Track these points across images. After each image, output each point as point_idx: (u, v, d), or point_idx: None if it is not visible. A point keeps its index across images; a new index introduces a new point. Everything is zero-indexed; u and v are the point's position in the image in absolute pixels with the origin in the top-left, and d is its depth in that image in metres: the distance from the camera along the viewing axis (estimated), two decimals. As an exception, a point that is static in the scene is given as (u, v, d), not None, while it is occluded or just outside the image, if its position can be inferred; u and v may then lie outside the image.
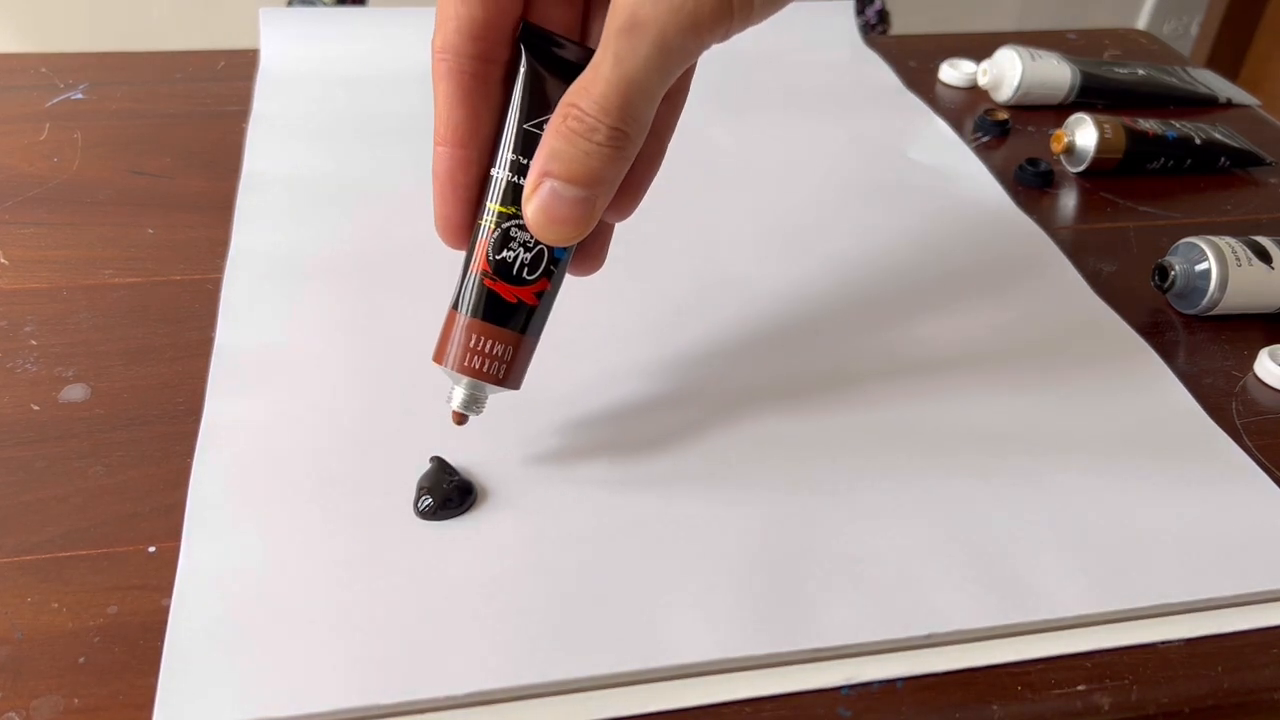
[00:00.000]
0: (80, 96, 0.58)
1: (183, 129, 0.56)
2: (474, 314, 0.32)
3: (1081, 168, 0.56)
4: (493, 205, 0.32)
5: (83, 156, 0.53)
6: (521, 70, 0.31)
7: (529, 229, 0.30)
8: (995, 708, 0.31)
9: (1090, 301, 0.47)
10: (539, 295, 0.32)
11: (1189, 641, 0.33)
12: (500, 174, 0.31)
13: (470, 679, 0.30)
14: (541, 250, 0.32)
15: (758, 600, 0.32)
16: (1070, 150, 0.56)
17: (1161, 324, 0.47)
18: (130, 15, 1.50)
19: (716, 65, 0.63)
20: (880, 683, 0.31)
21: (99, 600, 0.32)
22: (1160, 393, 0.42)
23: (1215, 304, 0.45)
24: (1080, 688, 0.31)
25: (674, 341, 0.43)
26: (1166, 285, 0.47)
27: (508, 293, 0.32)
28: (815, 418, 0.39)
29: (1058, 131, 0.57)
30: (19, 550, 0.33)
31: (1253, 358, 0.44)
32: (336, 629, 0.31)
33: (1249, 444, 0.40)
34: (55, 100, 0.58)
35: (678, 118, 0.34)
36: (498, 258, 0.32)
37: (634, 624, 0.31)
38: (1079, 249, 0.51)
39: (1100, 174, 0.57)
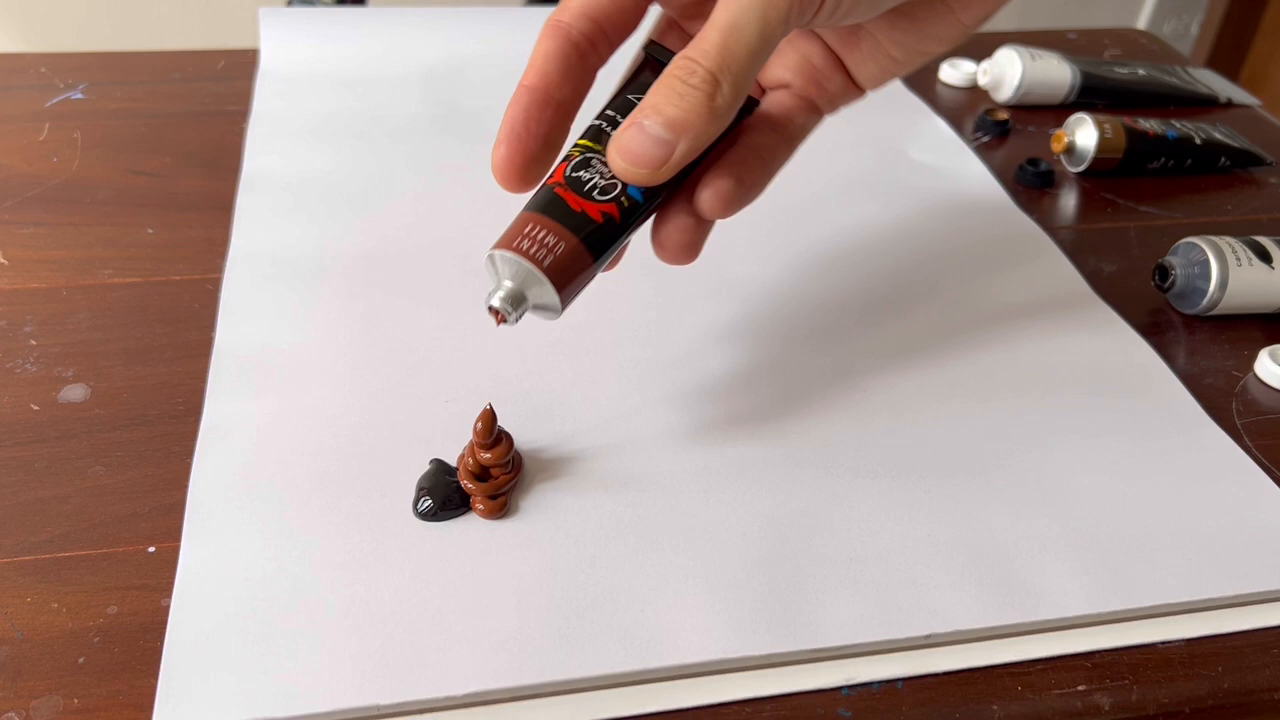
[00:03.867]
0: (80, 96, 0.58)
1: (182, 129, 0.56)
2: (534, 209, 0.31)
3: (1082, 167, 0.56)
4: (580, 141, 0.32)
5: (82, 156, 0.53)
6: (643, 64, 0.34)
7: (608, 161, 0.31)
8: (995, 708, 0.31)
9: (1090, 301, 0.47)
10: (604, 215, 0.31)
11: (1189, 642, 0.33)
12: (598, 121, 0.33)
13: (470, 679, 0.30)
14: (618, 184, 0.32)
15: (758, 600, 0.32)
16: (1070, 150, 0.56)
17: (1162, 324, 0.47)
18: (130, 15, 1.50)
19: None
20: (880, 683, 0.31)
21: (99, 600, 0.32)
22: (1160, 393, 0.42)
23: (1215, 304, 0.45)
24: (1080, 688, 0.31)
25: (673, 341, 0.43)
26: (1167, 285, 0.47)
27: (574, 200, 0.31)
28: (815, 417, 0.39)
29: (1058, 131, 0.57)
30: (18, 550, 0.33)
31: (1253, 358, 0.44)
32: (336, 629, 0.31)
33: (1249, 444, 0.40)
34: (55, 100, 0.58)
35: (812, 127, 0.36)
36: (573, 175, 0.32)
37: (634, 624, 0.31)
38: (1079, 249, 0.51)
39: (1100, 174, 0.57)
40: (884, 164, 0.56)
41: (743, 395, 0.40)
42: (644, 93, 0.31)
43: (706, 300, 0.45)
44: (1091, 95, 0.63)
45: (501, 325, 0.31)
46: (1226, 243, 0.46)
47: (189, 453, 0.36)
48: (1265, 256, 0.46)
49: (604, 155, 0.32)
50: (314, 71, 0.60)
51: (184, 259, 0.46)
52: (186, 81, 0.60)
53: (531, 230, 0.31)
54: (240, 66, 0.61)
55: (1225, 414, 0.41)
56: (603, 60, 0.33)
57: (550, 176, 0.32)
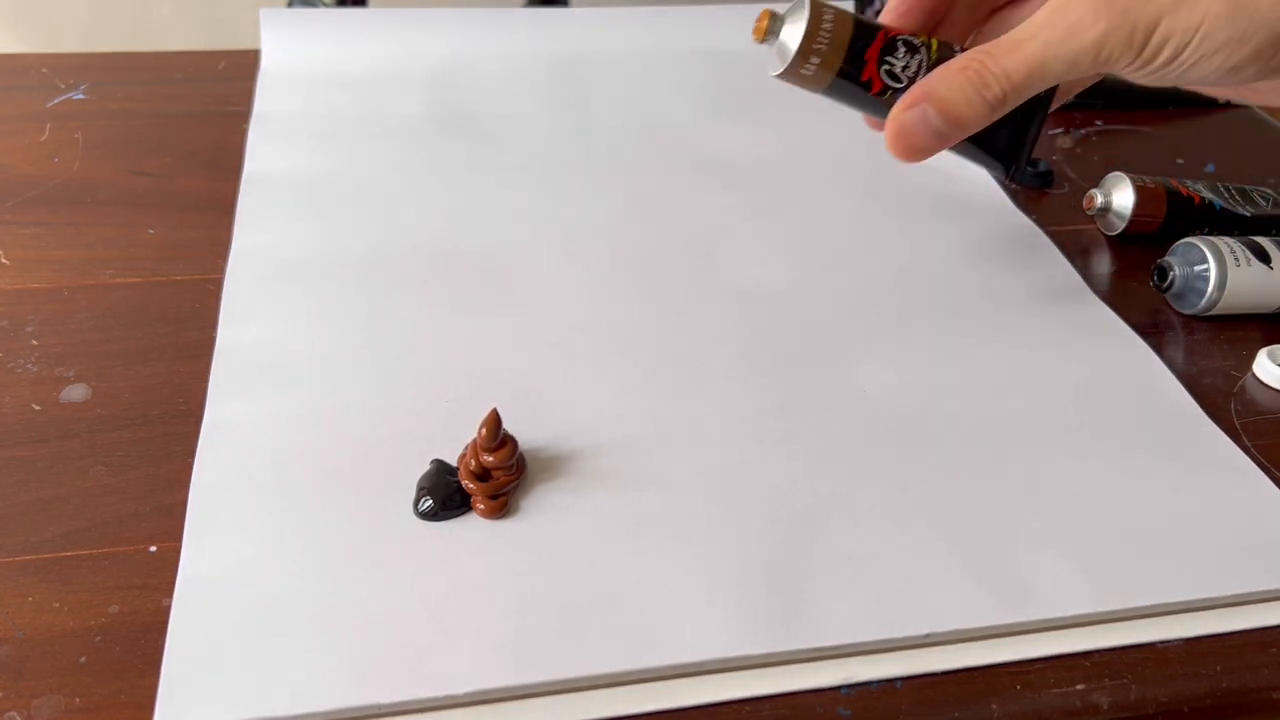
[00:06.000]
0: (81, 97, 0.58)
1: (183, 129, 0.56)
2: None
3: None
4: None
5: (83, 157, 0.53)
6: None
7: (885, 132, 0.36)
8: (994, 707, 0.31)
9: (1089, 301, 0.47)
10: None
11: (1188, 641, 0.33)
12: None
13: (470, 679, 0.30)
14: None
15: (757, 599, 0.32)
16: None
17: (1161, 324, 0.47)
18: (131, 15, 1.50)
19: (717, 66, 0.63)
20: (879, 682, 0.31)
21: (100, 600, 0.32)
22: (1159, 393, 0.42)
23: (1214, 304, 0.45)
24: (1079, 687, 0.31)
25: (673, 341, 0.43)
26: (1166, 285, 0.47)
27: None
28: (815, 417, 0.39)
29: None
30: (20, 550, 0.33)
31: (1252, 358, 0.44)
32: (337, 629, 0.31)
33: (1248, 444, 0.40)
34: (56, 100, 0.58)
35: None
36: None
37: (634, 624, 0.31)
38: (1078, 249, 0.51)
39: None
40: (883, 164, 0.56)
41: (742, 395, 0.40)
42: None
43: (706, 300, 0.45)
44: (1090, 96, 0.63)
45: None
46: (1225, 243, 0.46)
47: (190, 452, 0.36)
48: (1264, 257, 0.46)
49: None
50: (315, 72, 0.60)
51: (185, 259, 0.46)
52: (188, 82, 0.61)
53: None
54: (241, 67, 0.62)
55: (1224, 414, 0.41)
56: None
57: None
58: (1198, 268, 0.46)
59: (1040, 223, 0.52)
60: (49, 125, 0.55)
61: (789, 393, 0.40)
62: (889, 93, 0.38)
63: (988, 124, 0.34)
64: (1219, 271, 0.45)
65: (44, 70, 0.60)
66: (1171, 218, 0.51)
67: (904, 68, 0.38)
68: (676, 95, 0.60)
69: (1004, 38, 0.34)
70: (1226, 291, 0.45)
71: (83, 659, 0.30)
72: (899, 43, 0.38)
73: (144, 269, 0.45)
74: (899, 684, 0.31)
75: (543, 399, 0.39)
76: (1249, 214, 0.52)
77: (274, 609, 0.31)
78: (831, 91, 0.39)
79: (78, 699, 0.29)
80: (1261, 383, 0.43)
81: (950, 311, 0.45)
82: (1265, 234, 0.49)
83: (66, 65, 0.61)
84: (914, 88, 0.36)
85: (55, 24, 1.49)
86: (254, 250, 0.46)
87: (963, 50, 0.38)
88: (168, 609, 0.31)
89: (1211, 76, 0.33)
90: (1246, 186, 0.54)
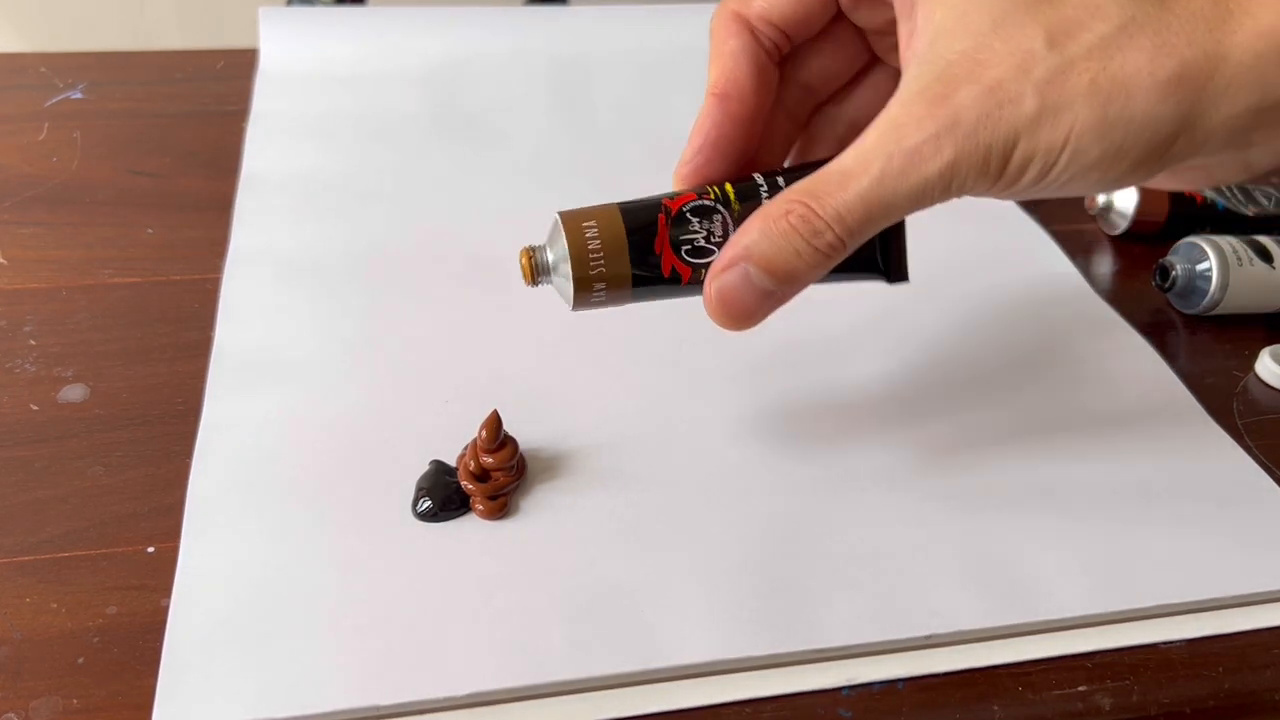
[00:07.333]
0: (79, 96, 0.58)
1: (182, 129, 0.56)
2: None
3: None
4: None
5: (82, 156, 0.53)
6: None
7: (705, 303, 0.29)
8: (996, 708, 0.31)
9: (1091, 301, 0.47)
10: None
11: (1190, 642, 0.33)
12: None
13: (470, 679, 0.30)
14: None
15: (758, 600, 0.32)
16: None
17: (1162, 324, 0.47)
18: (130, 15, 1.50)
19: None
20: (881, 683, 0.31)
21: (98, 600, 0.32)
22: (1161, 393, 0.42)
23: (1216, 304, 0.45)
24: (1081, 688, 0.31)
25: (673, 342, 0.42)
26: (1168, 285, 0.47)
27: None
28: (815, 417, 0.39)
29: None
30: (18, 550, 0.33)
31: (1254, 358, 0.44)
32: (336, 630, 0.31)
33: (1250, 444, 0.40)
34: (54, 100, 0.58)
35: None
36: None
37: (634, 624, 0.31)
38: (1080, 248, 0.51)
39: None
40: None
41: (742, 395, 0.40)
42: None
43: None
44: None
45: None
46: (1228, 242, 0.46)
47: (188, 453, 0.36)
48: (1266, 256, 0.46)
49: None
50: (314, 71, 0.60)
51: (184, 259, 0.46)
52: (186, 81, 0.60)
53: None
54: (240, 66, 0.61)
55: (1226, 414, 0.41)
56: (780, 68, 0.31)
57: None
58: (1200, 267, 0.46)
59: (1042, 222, 0.52)
60: (47, 124, 0.55)
61: (789, 392, 0.40)
62: (704, 271, 0.30)
63: (829, 267, 0.29)
64: (1221, 271, 0.45)
65: (42, 69, 0.60)
66: (1174, 217, 0.51)
67: (707, 236, 0.30)
68: (676, 95, 0.60)
69: (830, 169, 0.28)
70: (1229, 291, 0.45)
71: (81, 660, 0.30)
72: (687, 213, 0.30)
73: (142, 269, 0.45)
74: (900, 685, 0.31)
75: (542, 399, 0.39)
76: (1252, 213, 0.52)
77: (272, 610, 0.31)
78: (641, 299, 0.31)
79: (76, 700, 0.29)
80: (1264, 383, 0.43)
81: (950, 311, 0.45)
82: (1268, 234, 0.49)
83: (65, 64, 0.61)
84: (727, 248, 0.29)
85: (53, 23, 1.49)
86: (252, 250, 0.46)
87: (770, 185, 0.31)
88: (166, 609, 0.31)
89: (1093, 190, 0.29)
90: (1249, 185, 0.53)
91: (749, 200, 0.30)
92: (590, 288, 0.30)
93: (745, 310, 0.29)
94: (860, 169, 0.27)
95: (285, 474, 0.35)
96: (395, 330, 0.42)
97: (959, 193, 0.27)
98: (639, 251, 0.30)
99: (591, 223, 0.30)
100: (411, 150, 0.54)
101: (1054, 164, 0.27)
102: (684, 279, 0.31)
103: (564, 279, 0.31)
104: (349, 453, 0.36)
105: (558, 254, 0.31)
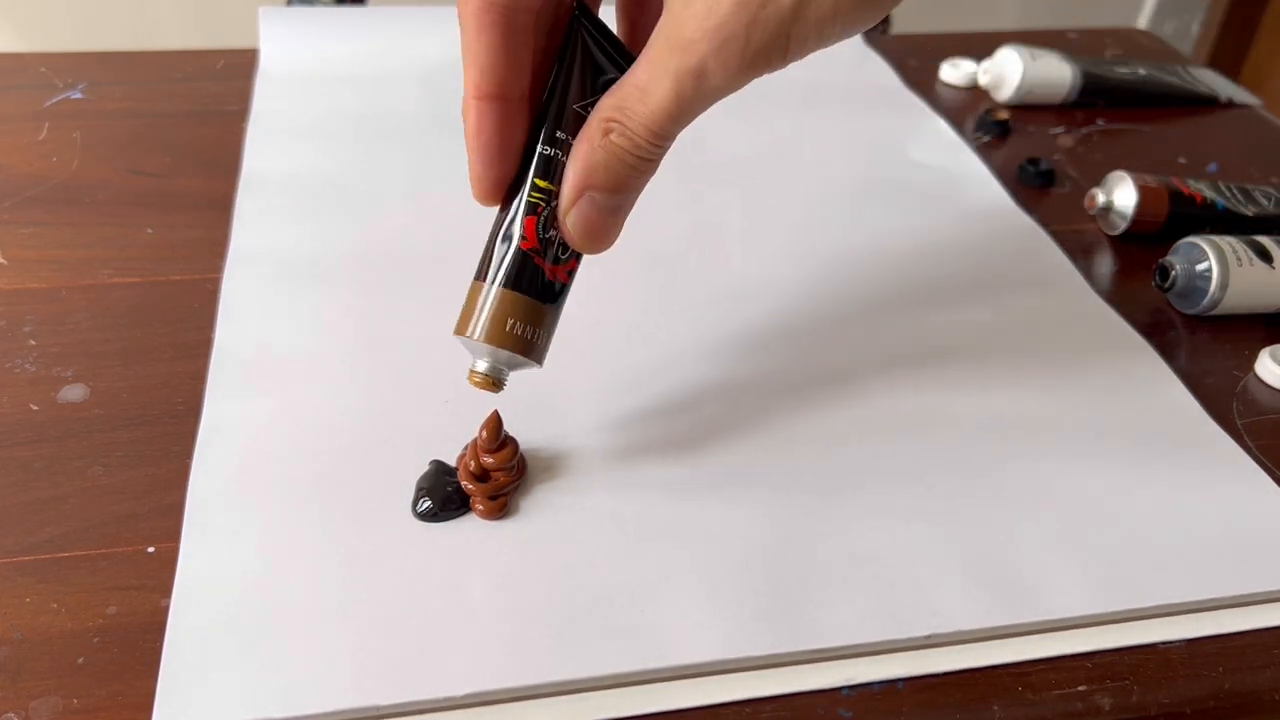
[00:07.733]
0: (79, 96, 0.58)
1: (182, 129, 0.56)
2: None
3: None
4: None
5: (81, 156, 0.53)
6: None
7: (569, 240, 0.31)
8: (996, 708, 0.31)
9: (1091, 301, 0.47)
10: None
11: (1190, 642, 0.33)
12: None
13: (470, 679, 0.30)
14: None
15: (758, 600, 0.32)
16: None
17: (1162, 324, 0.47)
18: (130, 15, 1.49)
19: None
20: (881, 683, 0.31)
21: (98, 601, 0.32)
22: (1161, 393, 0.42)
23: (1216, 304, 0.45)
24: (1081, 688, 0.31)
25: (672, 342, 0.42)
26: (1167, 285, 0.47)
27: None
28: (816, 417, 0.39)
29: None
30: (17, 550, 0.33)
31: (1254, 358, 0.44)
32: (336, 630, 0.31)
33: (1249, 444, 0.40)
34: (54, 100, 0.58)
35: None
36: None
37: (634, 624, 0.31)
38: (1080, 248, 0.51)
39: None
40: (884, 165, 0.56)
41: (743, 395, 0.40)
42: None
43: (707, 302, 0.45)
44: (1092, 95, 0.63)
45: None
46: (1227, 242, 0.46)
47: (188, 453, 0.36)
48: (1266, 257, 0.46)
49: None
50: (313, 71, 0.60)
51: (183, 259, 0.46)
52: (186, 81, 0.60)
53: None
54: (240, 66, 0.61)
55: (1226, 414, 0.41)
56: (535, 20, 0.30)
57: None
58: (1200, 267, 0.46)
59: (1041, 222, 0.52)
60: (47, 124, 0.55)
61: (789, 392, 0.40)
62: (571, 252, 0.32)
63: (653, 166, 0.30)
64: (1221, 271, 0.45)
65: (42, 69, 0.60)
66: (1174, 217, 0.51)
67: (553, 225, 0.31)
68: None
69: (629, 84, 0.29)
70: (1229, 291, 0.45)
71: (81, 660, 0.30)
72: (540, 235, 0.31)
73: (142, 269, 0.45)
74: (900, 685, 0.31)
75: (542, 399, 0.39)
76: (1251, 213, 0.52)
77: (272, 610, 0.31)
78: (560, 300, 0.33)
79: (75, 700, 0.29)
80: (1263, 383, 0.43)
81: (951, 311, 0.45)
82: (1268, 234, 0.49)
83: (64, 64, 0.61)
84: (567, 183, 0.30)
85: (53, 23, 1.49)
86: (252, 250, 0.46)
87: (558, 147, 0.31)
88: (166, 610, 0.31)
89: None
90: (1249, 186, 0.53)
91: (552, 169, 0.31)
92: (528, 340, 0.32)
93: (605, 230, 0.31)
94: (651, 76, 0.28)
95: (285, 474, 0.35)
96: (396, 330, 0.42)
97: (748, 82, 0.29)
98: (541, 291, 0.32)
99: (486, 314, 0.31)
100: (412, 150, 0.54)
101: (828, 34, 0.28)
102: (575, 267, 0.32)
103: (511, 363, 0.32)
104: (349, 453, 0.36)
105: (487, 356, 0.32)
